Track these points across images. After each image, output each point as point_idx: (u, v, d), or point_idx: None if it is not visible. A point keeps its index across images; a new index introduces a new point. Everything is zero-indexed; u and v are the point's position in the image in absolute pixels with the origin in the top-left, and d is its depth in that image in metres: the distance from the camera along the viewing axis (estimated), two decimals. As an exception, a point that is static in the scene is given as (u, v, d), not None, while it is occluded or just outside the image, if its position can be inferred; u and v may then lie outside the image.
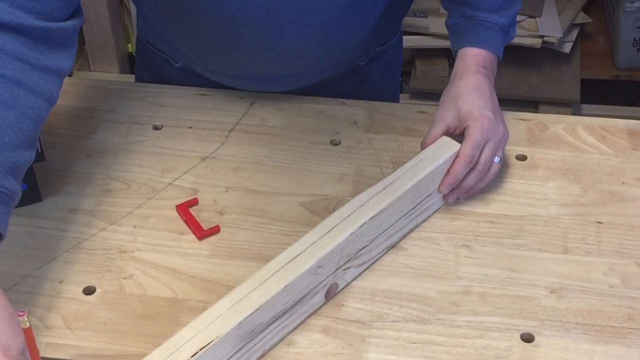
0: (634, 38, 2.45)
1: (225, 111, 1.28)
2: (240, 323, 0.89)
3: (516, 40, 2.40)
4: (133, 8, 2.37)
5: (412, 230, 1.10)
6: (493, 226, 1.11)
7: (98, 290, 1.04)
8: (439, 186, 1.10)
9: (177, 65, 1.32)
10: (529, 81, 2.43)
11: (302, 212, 1.13)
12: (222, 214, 1.13)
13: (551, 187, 1.17)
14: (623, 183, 1.17)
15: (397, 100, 1.47)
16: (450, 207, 1.14)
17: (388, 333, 0.99)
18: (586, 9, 2.55)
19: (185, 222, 1.12)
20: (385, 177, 1.05)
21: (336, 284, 1.01)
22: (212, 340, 0.87)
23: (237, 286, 0.92)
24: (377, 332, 0.99)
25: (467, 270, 1.06)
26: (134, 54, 2.45)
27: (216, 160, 1.21)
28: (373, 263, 1.06)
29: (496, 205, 1.14)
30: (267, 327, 0.94)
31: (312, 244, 0.96)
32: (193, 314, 0.96)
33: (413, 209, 1.07)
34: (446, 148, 1.09)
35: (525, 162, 1.20)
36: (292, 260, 0.95)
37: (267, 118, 1.27)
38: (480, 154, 1.10)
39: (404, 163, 1.08)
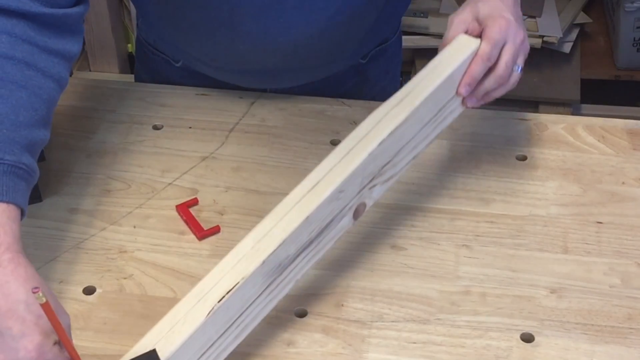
0: (634, 38, 2.45)
1: (225, 111, 1.28)
2: (264, 261, 0.87)
3: (516, 40, 2.41)
4: (133, 8, 2.37)
5: (437, 137, 1.04)
6: (493, 226, 1.11)
7: (98, 290, 1.04)
8: (457, 88, 1.03)
9: (177, 65, 1.32)
10: (529, 81, 2.43)
11: (302, 212, 1.13)
12: (222, 214, 1.13)
13: (551, 187, 1.17)
14: (623, 183, 1.17)
15: None
16: (450, 207, 1.14)
17: (388, 333, 0.99)
18: (586, 9, 2.55)
19: (185, 222, 1.12)
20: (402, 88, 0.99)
21: (364, 204, 0.98)
22: (238, 282, 0.86)
23: (258, 223, 0.90)
24: (377, 332, 0.99)
25: (467, 270, 1.06)
26: (134, 54, 2.45)
27: (216, 160, 1.21)
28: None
29: (496, 205, 1.14)
30: (295, 258, 0.92)
31: (331, 169, 0.92)
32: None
33: (436, 115, 1.01)
34: (465, 47, 1.02)
35: (525, 162, 1.20)
36: (311, 189, 0.91)
37: (267, 118, 1.27)
38: (499, 56, 1.04)
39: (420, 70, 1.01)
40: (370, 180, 0.97)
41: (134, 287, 1.04)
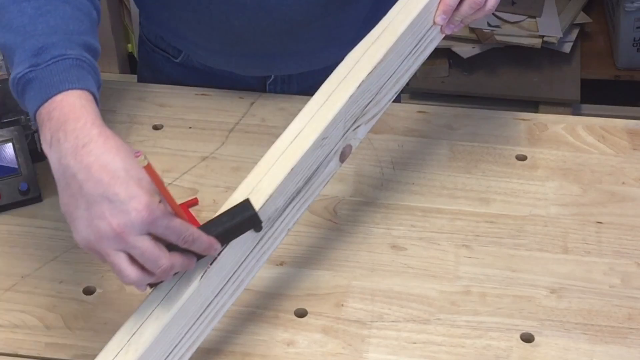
0: (634, 38, 2.45)
1: (225, 111, 1.28)
2: None
3: (516, 40, 2.42)
4: (133, 8, 2.37)
5: (418, 68, 1.02)
6: (493, 226, 1.11)
7: (98, 290, 1.04)
8: (434, 17, 1.01)
9: (177, 60, 1.32)
10: (529, 81, 2.43)
11: (302, 212, 1.13)
12: (222, 214, 1.13)
13: (551, 187, 1.17)
14: (623, 183, 1.17)
15: (398, 101, 1.47)
16: (450, 207, 1.14)
17: (388, 333, 0.99)
18: (586, 9, 2.55)
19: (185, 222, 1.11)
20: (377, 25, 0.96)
21: (349, 146, 0.96)
22: (224, 246, 0.85)
23: (244, 179, 0.89)
24: (377, 332, 0.99)
25: (467, 270, 1.06)
26: (135, 54, 2.45)
27: (216, 160, 1.21)
28: (384, 113, 0.99)
29: (496, 205, 1.14)
30: (284, 210, 0.91)
31: (313, 117, 0.91)
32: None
33: (415, 46, 0.99)
34: None
35: (525, 162, 1.20)
36: (294, 139, 0.90)
37: (267, 118, 1.27)
38: None
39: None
40: (354, 122, 0.95)
41: (134, 287, 1.04)
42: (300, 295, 1.03)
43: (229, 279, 0.89)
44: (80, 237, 0.81)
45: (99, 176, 0.80)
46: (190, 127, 1.26)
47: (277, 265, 1.06)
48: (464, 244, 1.09)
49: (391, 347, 0.98)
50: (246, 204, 0.85)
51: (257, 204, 0.86)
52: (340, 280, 1.05)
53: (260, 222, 0.87)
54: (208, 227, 0.84)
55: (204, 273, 0.85)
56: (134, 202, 0.78)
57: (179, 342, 0.87)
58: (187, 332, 0.88)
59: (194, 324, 0.88)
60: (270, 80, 1.31)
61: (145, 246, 0.79)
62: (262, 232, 0.89)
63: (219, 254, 0.85)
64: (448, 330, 0.99)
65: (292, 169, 0.89)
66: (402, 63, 0.98)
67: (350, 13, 1.22)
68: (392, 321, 1.00)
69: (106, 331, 0.99)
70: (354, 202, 1.14)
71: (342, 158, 0.97)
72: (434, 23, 1.01)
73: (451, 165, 1.20)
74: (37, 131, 1.19)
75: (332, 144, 0.94)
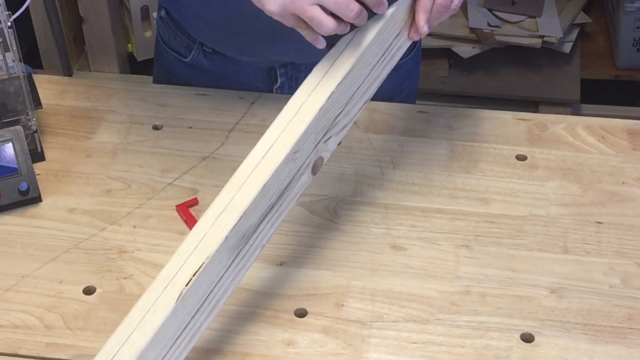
0: (634, 38, 2.45)
1: (225, 111, 1.28)
2: (227, 237, 0.86)
3: (516, 40, 2.41)
4: (133, 8, 2.37)
5: (386, 77, 1.02)
6: (493, 226, 1.11)
7: (98, 290, 1.04)
8: (417, 28, 0.99)
9: (186, 60, 1.33)
10: (529, 81, 2.43)
11: (302, 212, 1.13)
12: (222, 214, 1.13)
13: (551, 187, 1.17)
14: (623, 183, 1.17)
15: (399, 101, 1.46)
16: (450, 207, 1.14)
17: (388, 333, 0.99)
18: (586, 9, 2.55)
19: (185, 222, 1.12)
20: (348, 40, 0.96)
21: (321, 158, 0.96)
22: (203, 263, 0.85)
23: (216, 197, 0.88)
24: (377, 332, 0.99)
25: (467, 270, 1.06)
26: (135, 54, 2.45)
27: (216, 160, 1.21)
28: (354, 124, 0.99)
29: (496, 205, 1.14)
30: (258, 226, 0.90)
31: (283, 130, 0.90)
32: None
33: (383, 55, 0.98)
34: None
35: (525, 162, 1.20)
36: (265, 154, 0.90)
37: (267, 118, 1.27)
38: None
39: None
40: (325, 134, 0.95)
41: (134, 287, 1.04)
42: (300, 295, 1.03)
43: (205, 299, 0.88)
44: (276, 3, 0.92)
45: None
46: (190, 127, 1.26)
47: (277, 265, 1.06)
48: (464, 244, 1.09)
49: (391, 347, 0.98)
50: None
51: (230, 223, 0.86)
52: (340, 280, 1.05)
53: None
54: None
55: (179, 296, 0.84)
56: None
57: None
58: (165, 355, 0.87)
59: (171, 347, 0.87)
60: (277, 85, 1.32)
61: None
62: (237, 250, 0.89)
63: None
64: (448, 330, 0.99)
65: (264, 185, 0.89)
66: (370, 73, 0.98)
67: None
68: (392, 321, 1.00)
69: (106, 331, 0.99)
70: (354, 202, 1.14)
71: (314, 171, 0.97)
72: (418, 33, 1.00)
73: (451, 165, 1.20)
74: (37, 131, 1.19)
75: (304, 157, 0.94)
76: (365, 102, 1.00)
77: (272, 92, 1.32)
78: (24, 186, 1.13)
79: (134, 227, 1.11)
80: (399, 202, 1.14)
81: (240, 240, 0.89)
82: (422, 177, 1.18)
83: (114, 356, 0.83)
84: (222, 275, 0.89)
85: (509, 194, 1.16)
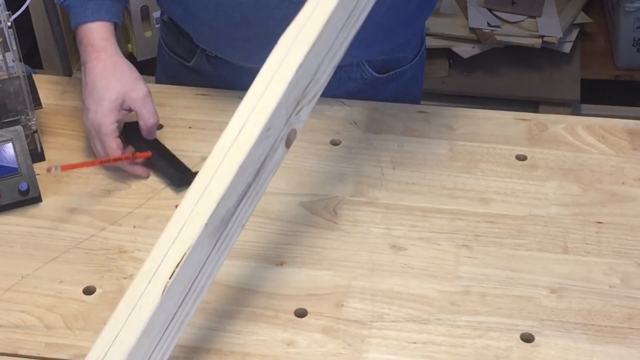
0: (634, 38, 2.45)
1: (225, 111, 1.28)
2: (207, 224, 0.85)
3: (516, 40, 2.41)
4: (133, 8, 2.37)
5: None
6: (493, 226, 1.11)
7: (98, 290, 1.04)
8: None
9: (189, 64, 1.33)
10: (529, 81, 2.43)
11: (302, 212, 1.13)
12: (222, 214, 1.13)
13: (551, 187, 1.17)
14: (623, 183, 1.17)
15: (399, 101, 1.46)
16: (450, 207, 1.14)
17: (388, 333, 0.99)
18: (586, 9, 2.55)
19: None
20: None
21: (294, 130, 0.94)
22: (185, 253, 0.84)
23: (192, 183, 0.87)
24: (377, 332, 0.99)
25: (467, 270, 1.06)
26: (135, 54, 2.45)
27: (216, 160, 1.20)
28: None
29: (496, 205, 1.14)
30: (237, 207, 0.89)
31: (254, 108, 0.88)
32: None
33: (348, 17, 0.96)
34: None
35: (525, 162, 1.20)
36: (238, 133, 0.88)
37: (267, 118, 1.27)
38: None
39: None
40: (296, 106, 0.93)
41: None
42: (300, 295, 1.03)
43: (190, 288, 0.87)
44: (85, 122, 1.17)
45: (85, 86, 1.18)
46: (190, 127, 1.26)
47: (277, 265, 1.06)
48: (464, 244, 1.09)
49: (391, 347, 0.98)
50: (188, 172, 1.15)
51: (208, 209, 0.85)
52: (340, 280, 1.05)
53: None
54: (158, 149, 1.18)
55: (164, 289, 0.83)
56: (90, 114, 1.16)
57: None
58: (155, 349, 0.86)
59: (160, 339, 0.86)
60: None
61: (106, 139, 1.15)
62: (217, 235, 0.88)
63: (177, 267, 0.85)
64: (448, 330, 0.99)
65: (240, 167, 0.86)
66: (337, 37, 0.95)
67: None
68: (392, 321, 1.00)
69: (106, 331, 0.99)
70: (354, 202, 1.14)
71: (288, 144, 0.94)
72: None
73: (451, 165, 1.20)
74: (37, 131, 1.19)
75: (277, 132, 0.91)
76: (334, 68, 0.97)
77: None
78: (24, 186, 1.13)
79: (134, 227, 1.11)
80: (399, 202, 1.14)
81: (220, 224, 0.87)
82: (422, 177, 1.18)
83: (103, 357, 0.82)
84: (205, 261, 0.88)
85: (509, 194, 1.16)
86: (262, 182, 0.92)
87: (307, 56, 0.90)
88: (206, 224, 0.85)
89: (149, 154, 1.17)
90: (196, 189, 0.86)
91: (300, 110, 0.94)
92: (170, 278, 0.83)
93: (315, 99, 0.96)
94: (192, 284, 0.87)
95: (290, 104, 0.91)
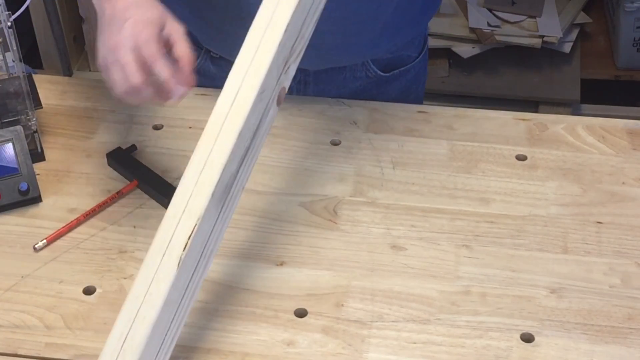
0: (634, 38, 2.45)
1: (225, 111, 1.28)
2: (213, 193, 0.86)
3: (516, 40, 2.41)
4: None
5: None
6: (493, 226, 1.11)
7: (98, 290, 1.04)
8: None
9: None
10: (529, 81, 2.43)
11: (302, 212, 1.13)
12: (222, 214, 1.13)
13: (551, 187, 1.17)
14: (623, 183, 1.17)
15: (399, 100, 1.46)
16: (450, 207, 1.14)
17: (388, 333, 0.99)
18: (586, 9, 2.55)
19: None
20: None
21: (283, 88, 0.95)
22: (195, 225, 0.85)
23: (193, 154, 0.88)
24: (377, 332, 0.99)
25: (467, 270, 1.06)
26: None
27: (216, 160, 1.20)
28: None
29: (496, 205, 1.14)
30: (237, 172, 0.90)
31: (246, 73, 0.89)
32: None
33: None
34: None
35: (525, 162, 1.20)
36: (234, 100, 0.89)
37: (267, 118, 1.27)
38: None
39: None
40: (284, 65, 0.94)
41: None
42: (300, 295, 1.03)
43: (200, 256, 0.89)
44: (98, 58, 0.97)
45: (117, 8, 0.97)
46: (190, 127, 1.26)
47: (277, 265, 1.06)
48: (464, 244, 1.09)
49: (391, 347, 0.98)
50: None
51: (213, 179, 0.87)
52: (340, 280, 1.05)
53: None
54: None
55: (179, 261, 0.85)
56: (129, 23, 0.95)
57: (167, 332, 0.87)
58: (173, 320, 0.88)
59: (176, 311, 0.88)
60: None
61: (127, 60, 0.94)
62: (222, 201, 0.89)
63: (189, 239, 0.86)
64: (448, 330, 0.99)
65: (239, 134, 0.88)
66: None
67: (371, 8, 1.21)
68: (392, 321, 1.00)
69: (106, 331, 0.99)
70: (354, 202, 1.14)
71: (279, 102, 0.95)
72: None
73: (451, 165, 1.20)
74: (37, 131, 1.19)
75: (269, 94, 0.92)
76: (316, 21, 0.97)
77: None
78: (24, 186, 1.13)
79: (134, 227, 1.11)
80: (399, 202, 1.14)
81: (224, 191, 0.89)
82: (422, 177, 1.18)
83: (128, 332, 0.84)
84: (212, 229, 0.90)
85: (509, 194, 1.16)
86: (258, 143, 0.93)
87: (294, 15, 0.90)
88: (213, 193, 0.86)
89: (134, 183, 1.16)
90: (198, 160, 0.87)
91: (288, 68, 0.95)
92: (184, 250, 0.84)
93: (301, 55, 0.97)
94: (202, 252, 0.89)
95: (280, 64, 0.92)
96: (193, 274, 0.88)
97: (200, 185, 0.86)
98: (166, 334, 0.87)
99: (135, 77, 0.94)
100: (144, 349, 0.83)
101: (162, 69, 0.95)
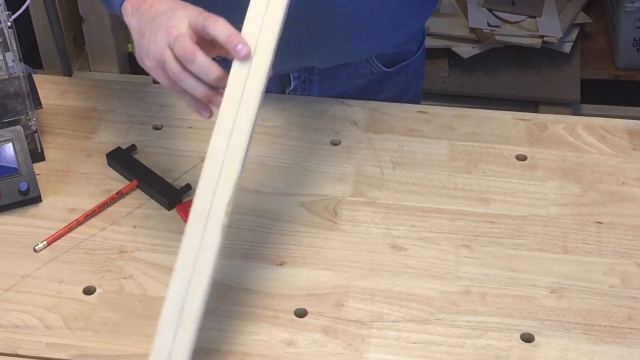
0: (634, 38, 2.45)
1: (225, 111, 1.28)
2: (244, 157, 0.90)
3: (516, 40, 2.41)
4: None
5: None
6: (493, 226, 1.11)
7: (98, 290, 1.04)
8: None
9: None
10: (529, 81, 2.43)
11: (302, 212, 1.13)
12: (222, 214, 1.13)
13: (551, 187, 1.17)
14: (623, 183, 1.17)
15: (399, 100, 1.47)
16: (450, 207, 1.14)
17: (388, 333, 0.99)
18: (586, 9, 2.55)
19: (185, 222, 1.11)
20: None
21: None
22: (233, 190, 0.89)
23: (218, 120, 0.91)
24: (377, 332, 0.99)
25: (467, 270, 1.06)
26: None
27: (216, 160, 1.20)
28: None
29: (496, 205, 1.14)
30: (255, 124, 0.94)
31: (260, 27, 0.94)
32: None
33: None
34: None
35: (525, 162, 1.20)
36: (252, 61, 0.92)
37: (267, 118, 1.27)
38: None
39: None
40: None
41: (134, 287, 1.04)
42: (300, 295, 1.03)
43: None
44: (148, 59, 0.97)
45: (161, 9, 0.98)
46: (190, 127, 1.26)
47: (277, 265, 1.06)
48: (464, 244, 1.09)
49: (391, 347, 0.98)
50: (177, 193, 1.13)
51: (242, 145, 0.90)
52: (340, 280, 1.05)
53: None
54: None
55: (222, 229, 0.88)
56: (180, 9, 0.96)
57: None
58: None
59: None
60: (291, 88, 1.32)
61: (181, 34, 0.93)
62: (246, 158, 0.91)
63: None
64: (448, 330, 0.99)
65: (261, 91, 0.91)
66: None
67: (379, 2, 1.21)
68: (392, 321, 1.00)
69: (106, 331, 0.99)
70: (354, 202, 1.14)
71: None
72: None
73: (451, 165, 1.20)
74: (37, 131, 1.19)
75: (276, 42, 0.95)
76: None
77: (285, 92, 1.32)
78: (24, 186, 1.13)
79: (134, 227, 1.11)
80: (399, 202, 1.14)
81: (248, 149, 0.92)
82: (422, 177, 1.18)
83: (184, 302, 0.87)
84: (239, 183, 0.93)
85: (509, 194, 1.16)
86: (266, 81, 0.95)
87: None
88: (244, 158, 0.89)
89: (134, 183, 1.16)
90: (225, 126, 0.90)
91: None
92: (225, 216, 0.88)
93: None
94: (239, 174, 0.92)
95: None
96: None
97: (232, 150, 0.89)
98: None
99: (189, 44, 0.93)
100: (202, 317, 0.87)
101: (225, 27, 0.94)
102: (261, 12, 0.93)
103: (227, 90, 0.91)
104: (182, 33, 0.94)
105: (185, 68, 0.94)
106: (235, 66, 0.92)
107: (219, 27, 0.93)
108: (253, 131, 0.92)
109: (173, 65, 0.94)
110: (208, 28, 0.93)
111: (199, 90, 0.94)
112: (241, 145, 0.89)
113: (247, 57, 0.92)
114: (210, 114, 0.96)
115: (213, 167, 0.89)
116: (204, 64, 0.92)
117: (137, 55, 1.00)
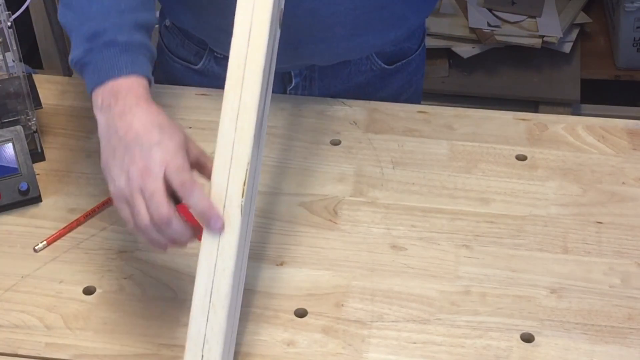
0: (634, 38, 2.45)
1: (225, 111, 1.28)
2: (254, 135, 0.90)
3: (516, 40, 2.42)
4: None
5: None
6: (493, 226, 1.11)
7: (98, 290, 1.04)
8: None
9: (196, 67, 1.32)
10: (529, 81, 2.43)
11: (302, 212, 1.13)
12: (222, 214, 1.13)
13: (551, 187, 1.17)
14: (623, 183, 1.17)
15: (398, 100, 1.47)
16: (450, 207, 1.14)
17: (388, 333, 0.99)
18: (586, 9, 2.55)
19: (185, 222, 1.11)
20: None
21: (281, 9, 0.97)
22: (247, 170, 0.89)
23: (224, 102, 0.91)
24: (377, 332, 0.99)
25: (467, 270, 1.06)
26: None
27: (216, 160, 1.20)
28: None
29: (496, 205, 1.14)
30: (264, 105, 0.94)
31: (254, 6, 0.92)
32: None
33: None
34: None
35: (525, 162, 1.20)
36: (248, 42, 0.91)
37: (267, 118, 1.27)
38: None
39: None
40: None
41: (134, 287, 1.04)
42: (300, 295, 1.03)
43: (251, 198, 0.93)
44: (113, 185, 0.89)
45: (137, 128, 0.89)
46: (190, 127, 1.26)
47: (277, 265, 1.06)
48: (464, 244, 1.09)
49: (391, 347, 0.98)
50: None
51: (251, 121, 0.90)
52: (340, 280, 1.05)
53: None
54: None
55: (241, 209, 0.88)
56: (158, 147, 0.88)
57: (239, 282, 0.94)
58: (241, 268, 0.93)
59: (242, 258, 0.93)
60: (292, 86, 1.32)
61: (157, 188, 0.86)
62: (258, 135, 0.92)
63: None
64: (448, 330, 0.99)
65: (262, 70, 0.90)
66: None
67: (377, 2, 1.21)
68: (392, 321, 1.00)
69: (106, 331, 0.99)
70: (354, 202, 1.14)
71: (280, 24, 0.98)
72: None
73: (451, 165, 1.20)
74: (37, 131, 1.19)
75: (275, 23, 0.95)
76: None
77: (286, 93, 1.32)
78: (24, 186, 1.13)
79: (134, 227, 1.11)
80: (399, 202, 1.14)
81: (259, 126, 0.92)
82: (422, 177, 1.18)
83: (212, 286, 0.88)
84: (256, 166, 0.94)
85: (509, 194, 1.16)
86: (272, 68, 0.96)
87: None
88: (253, 135, 0.89)
89: None
90: (231, 107, 0.90)
91: None
92: (242, 197, 0.88)
93: None
94: (251, 194, 0.93)
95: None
96: (248, 217, 0.93)
97: (240, 130, 0.90)
98: (239, 285, 0.93)
99: (166, 207, 0.86)
100: (230, 301, 0.88)
101: (200, 199, 0.87)
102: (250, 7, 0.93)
103: (230, 70, 0.91)
104: (157, 189, 0.86)
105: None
106: (234, 45, 0.92)
107: (194, 199, 0.87)
108: (264, 112, 0.94)
109: (143, 217, 0.87)
110: (183, 198, 0.88)
111: (163, 243, 0.90)
112: (249, 124, 0.89)
113: (220, 231, 0.89)
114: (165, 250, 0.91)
115: (224, 149, 0.90)
116: (178, 229, 0.87)
117: (102, 165, 0.91)
